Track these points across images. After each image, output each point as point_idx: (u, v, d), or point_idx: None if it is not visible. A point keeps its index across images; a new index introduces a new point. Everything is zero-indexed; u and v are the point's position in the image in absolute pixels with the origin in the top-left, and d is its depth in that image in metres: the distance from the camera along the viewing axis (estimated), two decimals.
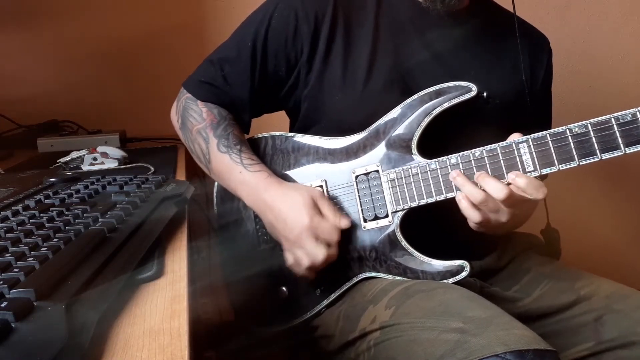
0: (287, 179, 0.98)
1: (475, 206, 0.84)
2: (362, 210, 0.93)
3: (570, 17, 1.89)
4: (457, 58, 0.98)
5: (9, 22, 1.55)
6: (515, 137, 0.85)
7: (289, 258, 0.92)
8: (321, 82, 0.97)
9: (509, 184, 0.83)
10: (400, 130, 0.92)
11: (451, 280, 0.88)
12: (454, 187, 0.87)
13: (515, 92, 1.01)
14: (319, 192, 0.93)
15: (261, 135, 1.03)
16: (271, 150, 1.01)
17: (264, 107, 1.06)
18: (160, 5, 1.65)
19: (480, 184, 0.84)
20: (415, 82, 0.95)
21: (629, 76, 1.92)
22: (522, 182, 0.81)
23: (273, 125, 1.09)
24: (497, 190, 0.81)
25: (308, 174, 0.97)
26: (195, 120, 1.00)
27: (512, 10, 1.02)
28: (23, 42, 1.58)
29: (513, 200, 0.82)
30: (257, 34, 0.98)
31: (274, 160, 1.00)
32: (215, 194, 1.07)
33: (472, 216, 0.85)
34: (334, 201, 0.95)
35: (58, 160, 1.15)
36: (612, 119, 0.80)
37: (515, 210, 0.85)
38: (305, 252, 0.89)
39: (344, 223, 0.90)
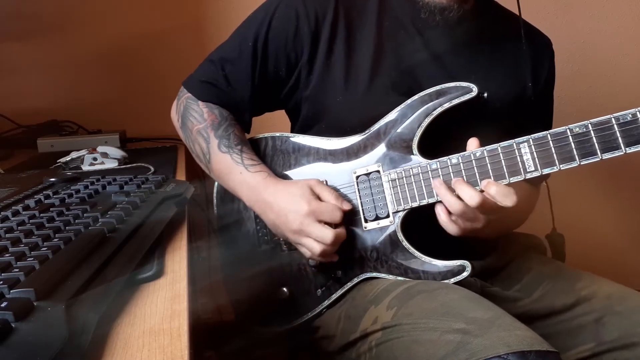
0: (287, 179, 0.98)
1: (452, 218, 0.86)
2: (363, 210, 0.93)
3: (570, 18, 1.89)
4: (460, 60, 0.98)
5: (10, 24, 1.55)
6: (472, 142, 0.87)
7: (305, 252, 0.91)
8: (323, 83, 0.97)
9: (482, 191, 0.83)
10: (401, 130, 0.92)
11: (452, 280, 0.88)
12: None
13: (517, 94, 1.01)
14: (316, 180, 0.93)
15: (261, 135, 1.03)
16: (271, 150, 1.01)
17: (265, 106, 1.05)
18: (160, 5, 1.65)
19: (455, 189, 0.84)
20: (418, 83, 0.95)
21: (629, 77, 1.91)
22: (492, 190, 0.82)
23: (274, 125, 1.09)
24: (471, 197, 0.82)
25: (308, 174, 0.97)
26: (196, 120, 0.99)
27: (515, 12, 1.02)
28: (24, 43, 1.58)
29: (487, 208, 0.83)
30: (258, 34, 0.97)
31: (274, 160, 1.00)
32: (215, 195, 1.07)
33: (450, 228, 0.87)
34: None
35: (58, 160, 1.15)
36: (613, 119, 0.80)
37: (490, 217, 0.85)
38: (313, 238, 0.88)
39: (346, 206, 0.90)
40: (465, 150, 0.87)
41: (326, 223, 0.88)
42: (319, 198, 0.90)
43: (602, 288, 0.94)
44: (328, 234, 0.87)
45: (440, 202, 0.87)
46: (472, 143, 0.87)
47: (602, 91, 1.91)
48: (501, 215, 0.86)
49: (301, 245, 0.90)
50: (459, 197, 0.84)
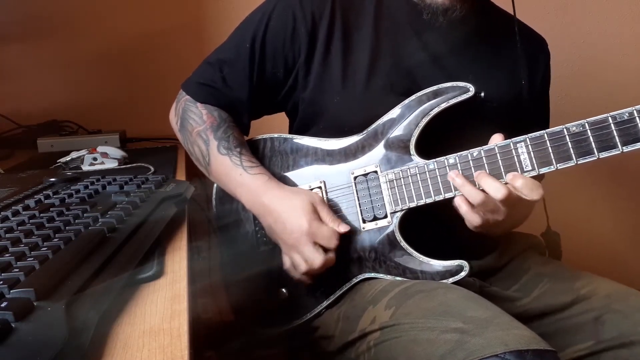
0: (285, 180, 0.98)
1: (474, 209, 0.85)
2: (360, 211, 0.93)
3: (569, 18, 1.89)
4: (457, 60, 0.98)
5: (11, 25, 1.55)
6: (497, 138, 0.86)
7: (286, 261, 0.93)
8: (320, 83, 0.97)
9: (506, 183, 0.83)
10: (398, 130, 0.92)
11: (450, 280, 0.89)
12: (452, 187, 0.87)
13: (514, 94, 1.01)
14: (319, 197, 0.93)
15: (260, 137, 1.03)
16: (270, 151, 1.01)
17: (263, 108, 1.05)
18: (160, 5, 1.66)
19: (478, 183, 0.84)
20: (415, 84, 0.95)
21: (629, 77, 1.91)
22: (518, 183, 0.81)
23: (273, 127, 1.09)
24: (496, 189, 0.82)
25: (307, 175, 0.97)
26: (195, 123, 0.99)
27: (511, 13, 1.02)
28: (24, 43, 1.58)
29: (511, 200, 0.82)
30: (256, 35, 0.98)
31: (272, 161, 1.00)
32: (214, 196, 1.07)
33: (473, 220, 0.85)
34: (333, 202, 0.95)
35: (58, 160, 1.15)
36: (609, 118, 0.81)
37: (512, 210, 0.85)
38: (303, 257, 0.89)
39: (343, 228, 0.90)
40: (462, 150, 0.88)
41: (320, 246, 0.88)
42: (319, 217, 0.90)
43: (601, 287, 0.94)
44: (318, 260, 0.87)
45: (457, 194, 0.86)
46: (497, 137, 0.86)
47: (602, 91, 1.90)
48: (520, 209, 0.86)
49: (289, 257, 0.92)
50: (478, 188, 0.83)
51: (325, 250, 0.89)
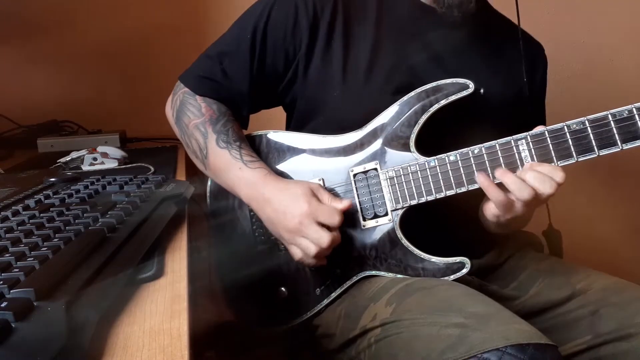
0: (283, 176, 0.97)
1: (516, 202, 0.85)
2: (361, 209, 0.93)
3: (569, 18, 1.88)
4: (458, 59, 0.98)
5: (10, 24, 1.55)
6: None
7: (296, 252, 0.90)
8: (320, 77, 0.97)
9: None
10: (397, 127, 0.92)
11: (452, 277, 0.88)
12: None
13: (514, 92, 1.01)
14: (317, 184, 0.93)
15: (256, 132, 1.02)
16: (266, 147, 1.01)
17: (262, 102, 1.05)
18: (160, 5, 1.65)
19: (520, 176, 0.83)
20: (416, 80, 0.95)
21: (628, 77, 1.91)
22: (539, 168, 0.82)
23: (272, 122, 1.08)
24: (536, 178, 0.82)
25: (305, 172, 0.97)
26: (193, 115, 0.99)
27: (511, 17, 1.02)
28: (23, 42, 1.58)
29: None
30: (257, 26, 0.97)
31: (269, 158, 1.00)
32: (208, 194, 1.05)
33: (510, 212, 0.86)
34: None
35: (58, 160, 1.15)
36: (609, 116, 0.81)
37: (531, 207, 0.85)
38: (310, 239, 0.87)
39: (342, 204, 0.89)
40: (462, 147, 0.87)
41: (324, 225, 0.87)
42: (318, 199, 0.90)
43: (597, 281, 0.95)
44: (325, 237, 0.86)
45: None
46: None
47: (601, 91, 1.90)
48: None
49: (295, 245, 0.89)
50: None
51: (329, 228, 0.87)
